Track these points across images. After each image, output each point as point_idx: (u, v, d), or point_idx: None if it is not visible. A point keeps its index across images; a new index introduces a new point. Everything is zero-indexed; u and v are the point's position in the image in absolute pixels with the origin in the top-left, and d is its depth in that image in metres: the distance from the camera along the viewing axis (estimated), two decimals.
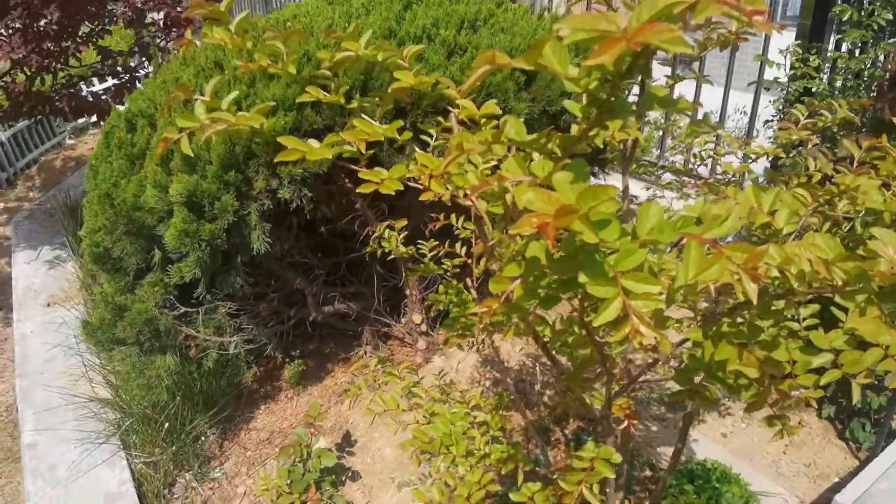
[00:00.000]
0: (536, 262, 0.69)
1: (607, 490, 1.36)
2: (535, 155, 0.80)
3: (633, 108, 0.64)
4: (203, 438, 3.04)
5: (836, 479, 2.54)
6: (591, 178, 2.37)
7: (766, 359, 0.94)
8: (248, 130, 0.85)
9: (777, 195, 0.99)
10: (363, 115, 0.98)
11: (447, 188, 0.87)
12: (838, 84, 3.14)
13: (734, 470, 2.39)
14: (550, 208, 0.54)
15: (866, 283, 0.83)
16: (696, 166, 2.05)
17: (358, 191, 0.85)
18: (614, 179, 3.98)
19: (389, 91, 0.91)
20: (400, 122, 0.93)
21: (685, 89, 4.40)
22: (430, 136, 1.14)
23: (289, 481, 2.53)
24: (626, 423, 1.42)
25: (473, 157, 1.02)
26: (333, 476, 2.71)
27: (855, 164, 1.41)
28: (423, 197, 0.88)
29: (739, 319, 1.05)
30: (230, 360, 3.18)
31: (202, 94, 0.92)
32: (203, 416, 3.01)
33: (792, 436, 1.16)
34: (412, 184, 0.94)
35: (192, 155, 0.93)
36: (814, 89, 3.10)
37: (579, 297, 0.89)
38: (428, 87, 0.93)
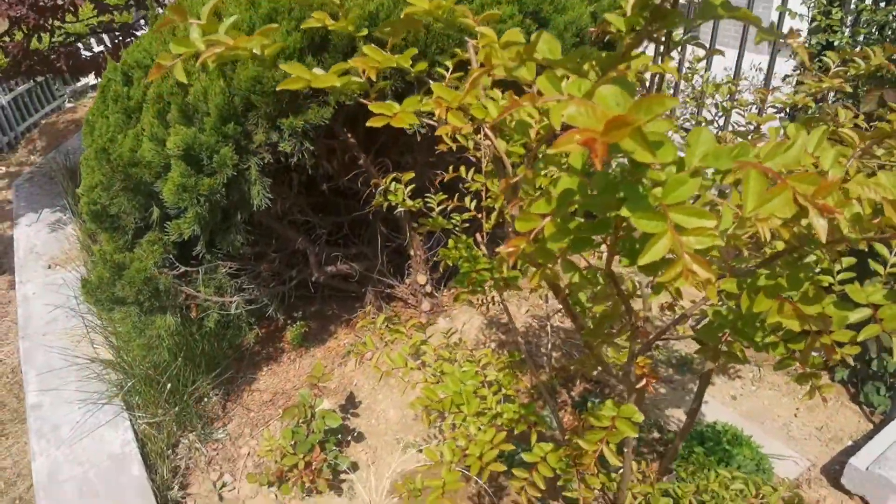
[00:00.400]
0: (570, 196, 0.62)
1: (625, 450, 1.31)
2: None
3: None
4: (206, 400, 3.01)
5: (849, 443, 2.50)
6: None
7: (809, 313, 0.87)
8: (247, 56, 0.78)
9: (823, 133, 0.90)
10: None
11: (467, 121, 0.80)
12: (861, 38, 3.02)
13: (745, 432, 2.35)
14: (597, 123, 0.46)
15: None
16: (717, 117, 1.95)
17: (368, 124, 0.78)
18: None
19: (402, 16, 0.82)
20: (414, 50, 0.85)
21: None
22: (446, 68, 1.05)
23: (293, 442, 2.50)
24: (644, 382, 1.36)
25: (491, 92, 0.94)
26: (338, 437, 2.68)
27: None
28: (439, 131, 0.80)
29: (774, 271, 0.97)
30: (231, 321, 3.13)
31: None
32: (205, 378, 2.97)
33: (824, 394, 1.10)
34: (426, 119, 0.86)
35: (186, 81, 0.86)
36: (836, 43, 2.99)
37: (608, 241, 0.82)
38: (445, 13, 0.84)
